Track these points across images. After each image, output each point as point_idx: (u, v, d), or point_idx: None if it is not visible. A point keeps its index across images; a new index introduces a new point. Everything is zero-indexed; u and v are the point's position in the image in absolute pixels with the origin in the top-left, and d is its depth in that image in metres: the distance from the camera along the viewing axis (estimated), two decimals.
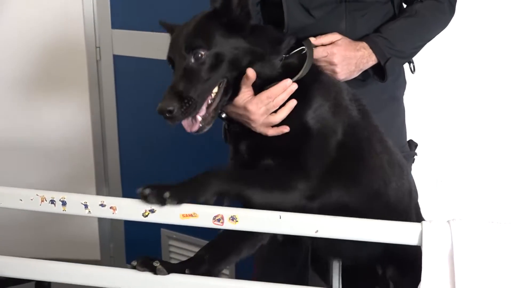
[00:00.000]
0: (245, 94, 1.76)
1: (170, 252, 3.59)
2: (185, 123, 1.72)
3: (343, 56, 1.96)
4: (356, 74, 2.03)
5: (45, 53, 3.60)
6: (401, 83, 2.28)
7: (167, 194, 1.54)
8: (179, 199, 1.57)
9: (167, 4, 3.32)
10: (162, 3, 3.34)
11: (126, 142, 3.71)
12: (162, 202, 1.56)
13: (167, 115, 1.64)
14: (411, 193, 1.96)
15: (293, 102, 1.76)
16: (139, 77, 3.52)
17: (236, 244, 1.73)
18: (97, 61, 3.61)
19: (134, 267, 1.61)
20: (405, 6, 2.19)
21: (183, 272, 1.63)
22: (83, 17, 3.56)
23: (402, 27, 2.09)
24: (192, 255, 3.41)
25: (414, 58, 2.22)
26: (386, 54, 2.03)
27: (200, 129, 1.72)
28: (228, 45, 1.72)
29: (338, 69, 1.96)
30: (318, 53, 1.94)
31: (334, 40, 1.99)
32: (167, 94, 1.66)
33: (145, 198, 1.56)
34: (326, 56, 1.96)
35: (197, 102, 1.67)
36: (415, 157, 2.30)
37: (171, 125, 1.68)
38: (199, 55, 1.69)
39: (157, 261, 1.60)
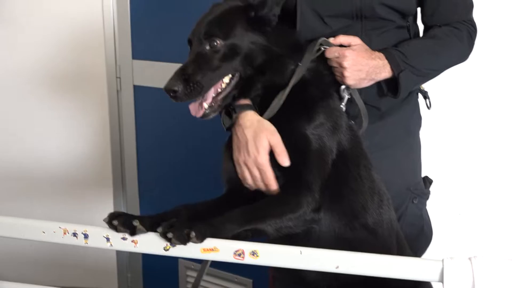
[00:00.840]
0: (263, 142, 1.77)
1: (188, 282, 3.58)
2: (192, 107, 1.79)
3: (354, 61, 1.93)
4: (366, 83, 1.99)
5: (66, 83, 3.64)
6: (416, 118, 2.28)
7: (193, 234, 1.55)
8: (202, 239, 1.57)
9: (187, 34, 3.34)
10: (182, 34, 3.37)
11: (145, 172, 3.73)
12: (185, 241, 1.56)
13: (171, 94, 1.72)
14: (392, 222, 1.95)
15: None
16: (159, 107, 3.54)
17: (213, 213, 1.72)
18: (117, 91, 3.65)
19: (114, 227, 1.61)
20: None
21: (158, 226, 1.61)
22: (104, 48, 3.60)
23: (419, 45, 2.08)
24: (210, 286, 3.42)
25: (429, 94, 2.22)
26: (400, 66, 2.01)
27: (205, 115, 1.79)
28: (247, 39, 1.78)
29: (347, 73, 1.93)
30: (330, 52, 1.94)
31: (352, 44, 1.97)
32: (175, 74, 1.73)
33: (168, 240, 1.57)
34: (338, 58, 1.94)
35: (203, 87, 1.74)
36: (430, 194, 2.28)
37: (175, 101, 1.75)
38: (215, 43, 1.76)
39: (137, 220, 1.60)
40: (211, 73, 1.75)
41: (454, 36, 2.11)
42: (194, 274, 3.54)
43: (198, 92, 1.73)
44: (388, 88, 2.07)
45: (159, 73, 3.46)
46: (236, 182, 1.87)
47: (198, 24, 1.83)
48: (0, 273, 3.62)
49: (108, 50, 3.60)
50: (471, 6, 2.16)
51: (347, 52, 1.93)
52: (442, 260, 1.50)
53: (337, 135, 1.84)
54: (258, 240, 1.66)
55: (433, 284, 1.96)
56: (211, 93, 1.78)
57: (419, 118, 2.28)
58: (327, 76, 1.92)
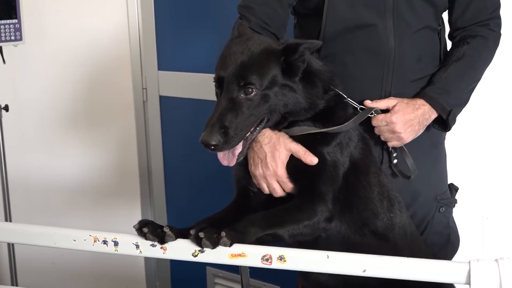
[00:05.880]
0: (281, 155, 1.82)
1: None
2: (222, 157, 1.78)
3: (403, 122, 1.98)
4: (422, 131, 2.05)
5: (93, 94, 3.69)
6: None
7: (223, 233, 1.57)
8: (231, 242, 1.59)
9: (211, 46, 3.37)
10: (206, 45, 3.40)
11: (172, 181, 3.76)
12: (215, 243, 1.58)
13: (211, 148, 1.70)
14: (404, 226, 1.97)
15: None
16: (185, 117, 3.58)
17: (231, 220, 1.74)
18: (143, 102, 3.70)
19: (144, 235, 1.63)
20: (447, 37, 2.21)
21: (186, 236, 1.63)
22: (130, 59, 3.67)
23: (454, 73, 2.09)
24: None
25: None
26: (446, 107, 2.04)
27: (236, 161, 1.79)
28: (279, 89, 1.76)
29: (403, 135, 2.00)
30: (378, 121, 1.99)
31: (390, 105, 2.01)
32: (212, 126, 1.70)
33: (199, 240, 1.58)
34: (387, 125, 1.99)
35: (239, 137, 1.74)
36: (456, 202, 2.28)
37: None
38: (250, 90, 1.72)
39: (167, 227, 1.63)
40: (246, 123, 1.74)
41: (483, 48, 2.13)
42: (222, 281, 3.56)
43: (235, 143, 1.73)
44: (434, 121, 2.09)
45: (184, 84, 3.51)
46: (244, 184, 1.93)
47: (231, 62, 1.75)
48: (30, 284, 3.65)
49: (134, 62, 3.66)
50: (498, 4, 2.17)
51: (394, 117, 1.98)
52: (469, 262, 1.50)
53: (349, 149, 1.88)
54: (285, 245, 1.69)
55: (460, 286, 1.97)
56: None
57: None
58: (347, 104, 1.94)
